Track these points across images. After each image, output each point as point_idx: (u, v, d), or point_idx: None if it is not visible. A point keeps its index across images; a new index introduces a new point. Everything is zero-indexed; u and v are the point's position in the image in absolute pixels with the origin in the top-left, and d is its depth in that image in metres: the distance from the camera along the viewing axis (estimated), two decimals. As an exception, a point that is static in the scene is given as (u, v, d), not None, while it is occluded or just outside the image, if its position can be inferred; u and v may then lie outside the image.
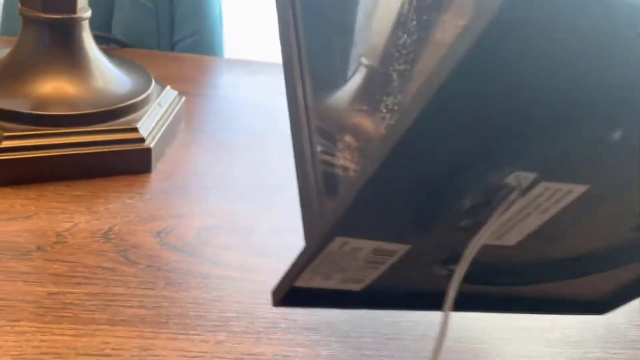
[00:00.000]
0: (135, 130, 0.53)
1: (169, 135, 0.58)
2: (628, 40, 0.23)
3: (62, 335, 0.36)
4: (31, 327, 0.36)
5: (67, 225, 0.45)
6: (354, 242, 0.30)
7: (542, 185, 0.28)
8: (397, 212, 0.29)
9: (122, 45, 0.81)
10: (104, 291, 0.39)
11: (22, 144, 0.49)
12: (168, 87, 0.61)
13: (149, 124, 0.54)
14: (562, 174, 0.27)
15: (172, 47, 0.88)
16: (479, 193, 0.27)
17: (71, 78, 0.53)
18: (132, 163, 0.52)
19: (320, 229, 0.30)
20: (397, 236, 0.30)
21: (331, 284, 0.33)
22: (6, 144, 0.48)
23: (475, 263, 0.30)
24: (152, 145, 0.53)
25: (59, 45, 0.53)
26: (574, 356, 0.40)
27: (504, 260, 0.33)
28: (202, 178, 0.54)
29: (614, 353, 0.41)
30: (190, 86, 0.68)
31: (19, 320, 0.36)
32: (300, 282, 0.32)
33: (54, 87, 0.52)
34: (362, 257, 0.31)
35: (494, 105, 0.24)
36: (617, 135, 0.25)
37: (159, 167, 0.54)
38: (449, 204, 0.28)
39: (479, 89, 0.24)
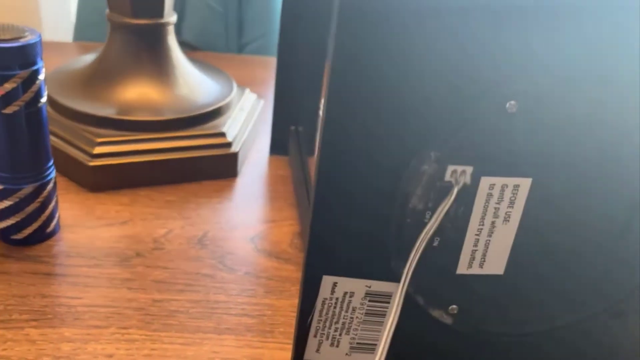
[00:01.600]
0: (223, 135, 0.53)
1: (251, 139, 0.57)
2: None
3: (172, 343, 0.36)
4: (141, 335, 0.36)
5: (163, 231, 0.45)
6: (342, 283, 0.30)
7: (485, 181, 0.28)
8: (360, 234, 0.29)
9: (192, 48, 0.82)
10: (206, 298, 0.39)
11: (114, 150, 0.49)
12: (247, 90, 0.61)
13: (234, 128, 0.54)
14: (496, 165, 0.28)
15: (239, 50, 0.88)
16: (422, 194, 0.28)
17: (158, 83, 0.53)
18: (219, 168, 0.52)
19: (303, 268, 0.31)
20: (378, 268, 0.30)
21: (342, 352, 0.32)
22: (99, 149, 0.49)
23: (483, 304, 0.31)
24: (238, 150, 0.53)
25: (146, 50, 0.53)
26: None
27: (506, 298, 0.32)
28: (286, 182, 0.53)
29: None
30: (263, 88, 0.68)
31: (128, 328, 0.36)
32: (310, 355, 0.32)
33: (141, 92, 0.52)
34: (358, 305, 0.31)
35: (393, 98, 0.26)
36: (511, 104, 0.26)
37: (244, 171, 0.54)
38: (401, 212, 0.29)
39: (366, 90, 0.26)
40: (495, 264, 0.31)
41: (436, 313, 0.32)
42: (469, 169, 0.28)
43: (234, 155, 0.53)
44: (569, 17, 0.25)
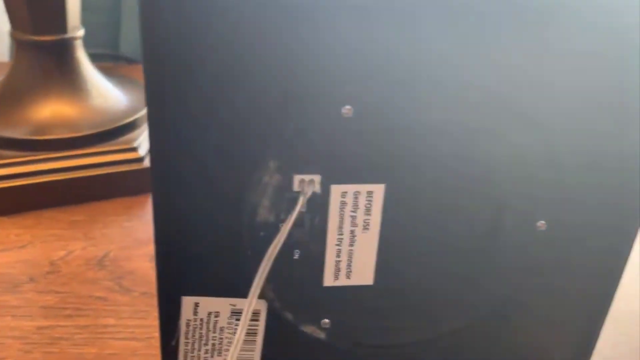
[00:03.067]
0: (134, 149, 0.51)
1: (171, 153, 0.56)
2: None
3: (48, 373, 0.34)
4: (16, 365, 0.34)
5: (62, 253, 0.44)
6: (204, 303, 0.29)
7: (336, 189, 0.27)
8: (212, 251, 0.28)
9: (131, 62, 0.80)
10: (95, 323, 0.38)
11: (16, 171, 0.48)
12: (170, 103, 0.59)
13: (147, 143, 0.53)
14: (344, 172, 0.27)
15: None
16: (271, 205, 0.27)
17: (67, 100, 0.52)
18: (131, 184, 0.51)
19: (158, 290, 0.29)
20: (240, 285, 0.28)
21: None
22: (0, 172, 0.47)
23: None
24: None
25: (52, 68, 0.51)
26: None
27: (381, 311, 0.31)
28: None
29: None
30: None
31: (4, 359, 0.35)
32: None
33: (50, 110, 0.51)
34: (226, 325, 0.30)
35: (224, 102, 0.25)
36: (346, 109, 0.25)
37: (160, 187, 0.52)
38: (251, 226, 0.27)
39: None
40: (363, 274, 0.29)
41: (308, 328, 0.30)
42: (317, 178, 0.27)
43: (146, 171, 0.51)
44: (399, 19, 0.24)
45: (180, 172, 0.26)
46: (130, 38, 0.83)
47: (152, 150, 0.25)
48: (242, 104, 0.25)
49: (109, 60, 0.79)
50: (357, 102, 0.25)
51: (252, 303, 0.26)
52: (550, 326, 0.32)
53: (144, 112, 0.54)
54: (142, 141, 0.52)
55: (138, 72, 0.69)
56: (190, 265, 0.28)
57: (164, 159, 0.26)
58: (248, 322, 0.28)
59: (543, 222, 0.29)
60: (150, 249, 0.44)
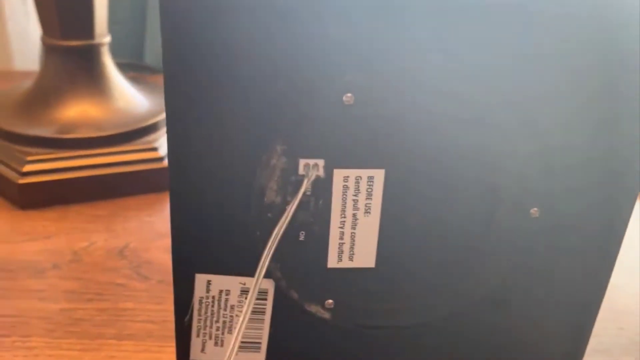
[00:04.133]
0: (155, 149, 0.54)
1: (190, 154, 0.58)
2: None
3: (70, 350, 0.36)
4: (41, 342, 0.37)
5: (85, 244, 0.46)
6: (217, 281, 0.31)
7: (338, 173, 0.29)
8: (224, 230, 0.30)
9: (154, 71, 0.84)
10: (114, 306, 0.40)
11: (44, 167, 0.50)
12: (190, 107, 0.62)
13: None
14: (346, 157, 0.28)
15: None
16: (278, 188, 0.29)
17: (93, 102, 0.54)
18: (152, 182, 0.53)
19: (173, 269, 0.31)
20: (249, 265, 0.30)
21: (228, 352, 0.32)
22: (28, 167, 0.50)
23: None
24: (171, 164, 0.54)
25: (79, 71, 0.54)
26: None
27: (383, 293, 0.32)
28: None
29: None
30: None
31: (30, 336, 0.37)
32: (195, 355, 0.32)
33: (76, 111, 0.54)
34: (236, 303, 0.31)
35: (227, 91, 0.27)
36: (347, 97, 0.27)
37: (179, 185, 0.55)
38: (259, 207, 0.29)
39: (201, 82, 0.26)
40: (365, 257, 0.31)
41: (312, 308, 0.32)
42: (321, 162, 0.29)
43: (166, 170, 0.53)
44: (399, 10, 0.26)
45: (195, 157, 0.28)
46: (155, 49, 0.86)
47: (169, 136, 0.28)
48: (251, 92, 0.27)
49: (134, 70, 0.82)
50: (358, 90, 0.27)
51: (258, 281, 0.28)
52: (545, 313, 0.34)
53: (164, 115, 0.57)
54: (162, 142, 0.55)
55: (161, 81, 0.72)
56: (203, 245, 0.30)
57: (179, 144, 0.28)
58: (254, 300, 0.29)
59: (536, 209, 0.30)
60: (168, 241, 0.47)
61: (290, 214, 0.29)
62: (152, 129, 0.55)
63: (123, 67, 0.59)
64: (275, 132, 0.28)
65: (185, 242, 0.30)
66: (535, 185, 0.30)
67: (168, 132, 0.28)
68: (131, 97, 0.57)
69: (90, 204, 0.51)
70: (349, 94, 0.27)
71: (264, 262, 0.29)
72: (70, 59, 0.54)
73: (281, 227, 0.29)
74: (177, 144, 0.28)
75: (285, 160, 0.28)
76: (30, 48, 0.87)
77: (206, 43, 0.26)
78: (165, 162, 0.54)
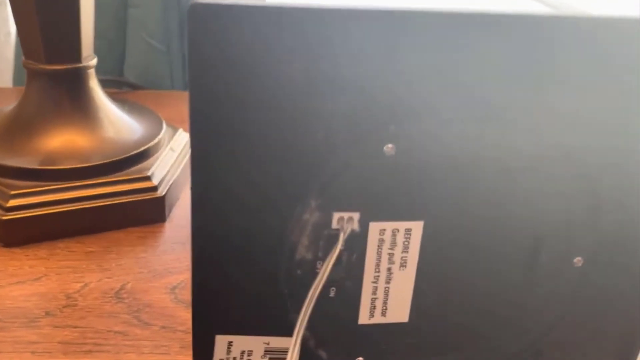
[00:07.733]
0: (147, 178, 0.51)
1: (182, 181, 0.55)
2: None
3: (71, 412, 0.33)
4: (38, 404, 0.34)
5: (78, 285, 0.43)
6: (238, 342, 0.29)
7: (374, 226, 0.27)
8: (249, 289, 0.28)
9: (135, 87, 0.80)
10: (116, 359, 0.37)
11: (29, 202, 0.47)
12: (180, 130, 0.59)
13: (160, 171, 0.52)
14: (383, 210, 0.26)
15: (186, 87, 0.86)
16: (310, 243, 0.27)
17: (79, 130, 0.51)
18: (145, 213, 0.50)
19: (193, 329, 0.29)
20: (275, 323, 0.28)
21: None
22: (13, 202, 0.47)
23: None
24: (164, 194, 0.51)
25: (65, 97, 0.51)
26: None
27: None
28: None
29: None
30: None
31: (25, 398, 0.34)
32: None
33: (62, 140, 0.51)
34: None
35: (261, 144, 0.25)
36: (388, 147, 0.25)
37: (173, 215, 0.52)
38: (289, 264, 0.27)
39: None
40: (399, 312, 0.29)
41: None
42: (356, 215, 0.27)
43: (160, 200, 0.51)
44: (443, 62, 0.24)
45: (221, 210, 0.26)
46: (134, 64, 0.83)
47: (193, 188, 0.25)
48: (285, 142, 0.24)
49: (114, 86, 0.79)
50: (400, 140, 0.25)
51: (296, 345, 0.26)
52: None
53: (156, 140, 0.54)
54: (155, 170, 0.52)
55: (143, 98, 0.68)
56: (225, 303, 0.28)
57: (205, 196, 0.25)
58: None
59: (580, 258, 0.29)
60: (167, 280, 0.44)
61: (327, 273, 0.26)
62: (144, 155, 0.52)
63: (104, 84, 0.56)
64: (310, 185, 0.25)
65: (206, 301, 0.28)
66: (580, 235, 0.28)
67: (192, 181, 0.25)
68: (120, 122, 0.54)
69: (79, 239, 0.48)
70: (390, 145, 0.25)
71: (300, 326, 0.26)
72: (56, 84, 0.50)
73: (317, 288, 0.26)
74: (201, 195, 0.26)
75: (319, 214, 0.26)
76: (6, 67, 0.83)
77: (242, 92, 0.23)
78: (159, 192, 0.51)
